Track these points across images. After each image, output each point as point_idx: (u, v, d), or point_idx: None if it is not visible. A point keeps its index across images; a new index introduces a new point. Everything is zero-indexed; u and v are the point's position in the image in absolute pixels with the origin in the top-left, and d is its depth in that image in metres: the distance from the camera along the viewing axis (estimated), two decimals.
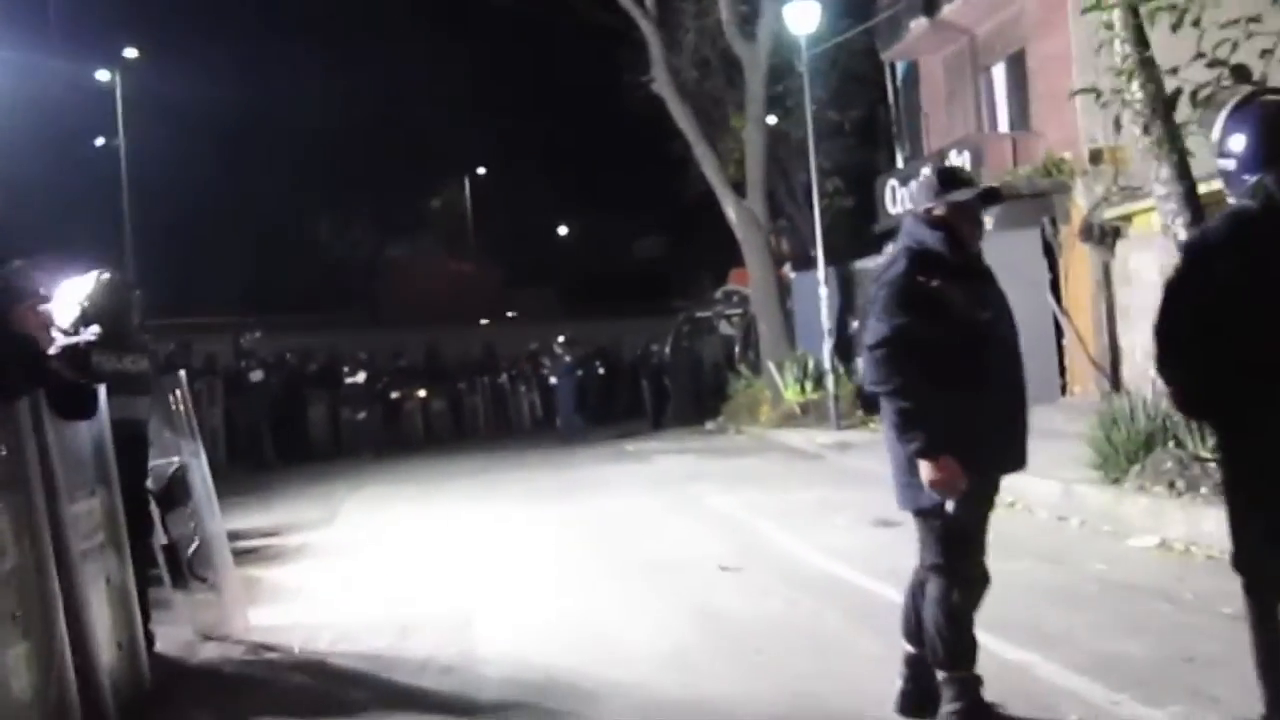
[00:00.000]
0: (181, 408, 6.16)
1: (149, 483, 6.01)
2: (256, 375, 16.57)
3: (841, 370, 16.74)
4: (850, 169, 23.51)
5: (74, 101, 32.24)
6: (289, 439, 17.68)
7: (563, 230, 54.01)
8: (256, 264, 40.41)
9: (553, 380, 17.61)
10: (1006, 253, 17.74)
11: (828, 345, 15.78)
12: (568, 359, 18.48)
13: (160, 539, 6.16)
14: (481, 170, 49.18)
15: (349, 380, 19.04)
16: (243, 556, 8.86)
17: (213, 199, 39.94)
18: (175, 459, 6.11)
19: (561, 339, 19.61)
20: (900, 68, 20.77)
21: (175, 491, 6.13)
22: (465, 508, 10.90)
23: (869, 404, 14.40)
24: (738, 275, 25.71)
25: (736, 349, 23.20)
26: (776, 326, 17.35)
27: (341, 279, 44.60)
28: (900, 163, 22.38)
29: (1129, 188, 16.48)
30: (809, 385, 16.69)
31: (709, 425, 19.04)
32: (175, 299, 36.05)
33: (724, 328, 24.07)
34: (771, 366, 16.87)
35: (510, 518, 10.04)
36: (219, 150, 39.59)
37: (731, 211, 17.34)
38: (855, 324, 19.54)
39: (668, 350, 23.39)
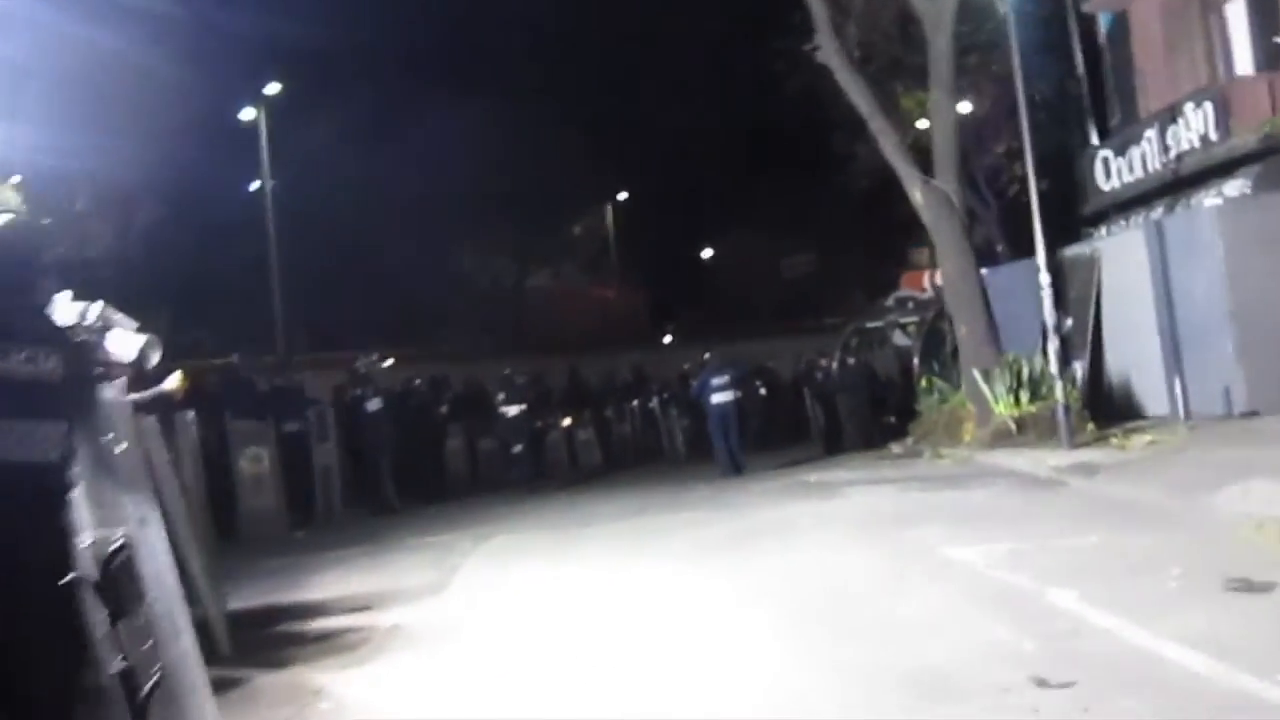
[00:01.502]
0: (136, 446, 3.55)
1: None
2: (374, 404, 14.23)
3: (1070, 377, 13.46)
4: (1042, 148, 20.05)
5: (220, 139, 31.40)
6: (419, 476, 15.31)
7: (707, 253, 51.40)
8: (400, 299, 39.03)
9: (716, 399, 14.78)
10: (1267, 220, 14.17)
11: (1053, 346, 12.47)
12: (722, 378, 15.64)
13: (108, 666, 3.54)
14: (623, 195, 46.86)
15: (503, 409, 16.65)
16: (312, 645, 6.28)
17: (355, 236, 38.90)
18: (119, 531, 3.49)
19: (708, 355, 16.80)
20: (1105, 21, 17.30)
21: (120, 585, 3.50)
22: (616, 566, 8.09)
23: None
24: (910, 278, 22.48)
25: (915, 360, 19.94)
26: (981, 328, 14.10)
27: (485, 310, 42.94)
28: (1097, 136, 18.90)
29: None
30: (1024, 396, 13.41)
31: (895, 448, 15.85)
32: (321, 337, 34.97)
33: (898, 338, 20.82)
34: (977, 376, 13.65)
35: (677, 583, 7.15)
36: (360, 189, 38.54)
37: (918, 193, 14.22)
38: (1069, 321, 16.17)
39: (835, 366, 20.33)
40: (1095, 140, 18.95)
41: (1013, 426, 13.29)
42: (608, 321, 45.31)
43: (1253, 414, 12.68)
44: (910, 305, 21.18)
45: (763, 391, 22.30)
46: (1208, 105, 13.75)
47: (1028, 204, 19.84)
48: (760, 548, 8.10)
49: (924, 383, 18.32)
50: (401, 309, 38.12)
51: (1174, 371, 13.79)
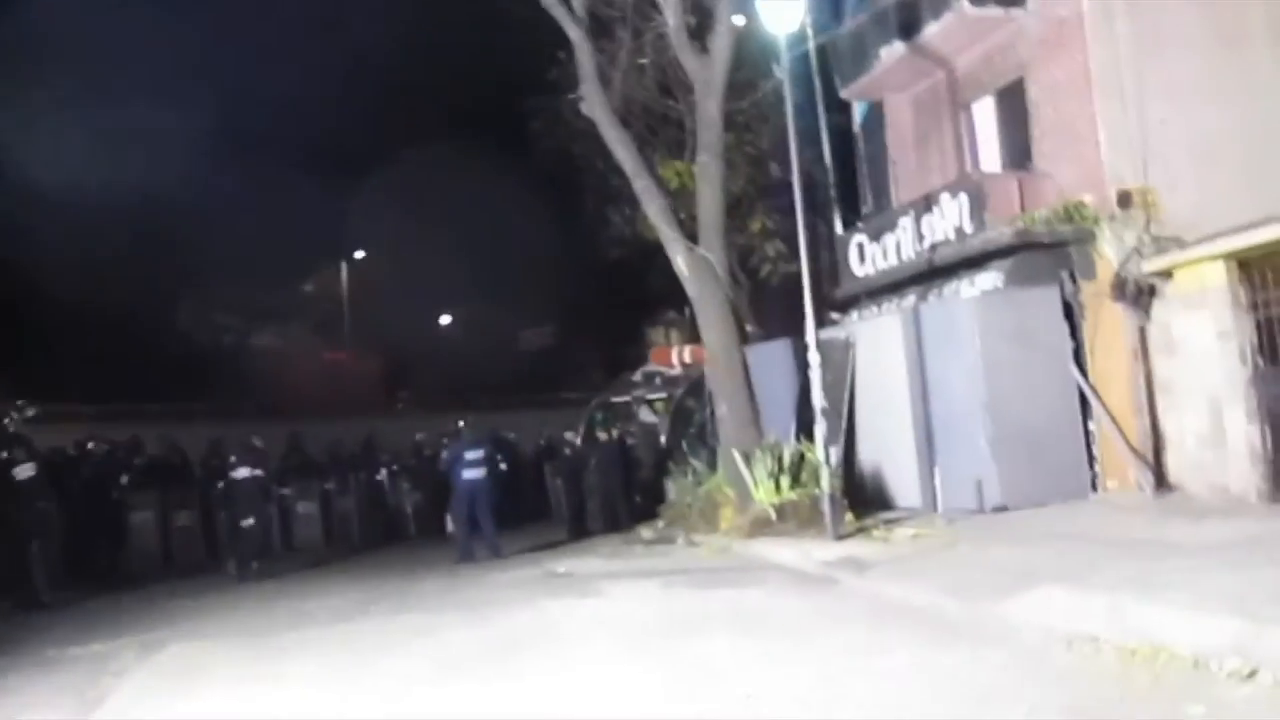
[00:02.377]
0: None
1: None
2: (25, 471, 11.47)
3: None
4: (788, 231, 19.77)
5: None
6: (89, 560, 12.60)
7: (445, 319, 49.50)
8: (104, 353, 34.74)
9: (469, 475, 12.94)
10: (1020, 314, 14.10)
11: (821, 430, 11.60)
12: (477, 452, 13.91)
13: None
14: (360, 254, 44.34)
15: (236, 474, 14.09)
16: None
17: (54, 279, 34.51)
18: None
19: (461, 423, 14.86)
20: (860, 110, 17.18)
21: None
22: (328, 696, 6.20)
23: None
24: (659, 354, 21.63)
25: (663, 439, 18.94)
26: (743, 407, 13.13)
27: (203, 368, 39.04)
28: (843, 224, 18.78)
29: (1163, 238, 13.03)
30: (785, 482, 12.49)
31: (645, 533, 14.59)
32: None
33: (645, 414, 19.80)
34: (738, 458, 12.63)
35: None
36: (66, 223, 34.36)
37: (683, 261, 13.21)
38: (823, 405, 15.55)
39: (579, 441, 19.01)
40: (840, 228, 18.82)
41: (773, 514, 12.30)
42: (338, 387, 42.34)
43: (1003, 509, 12.30)
44: (658, 381, 20.26)
45: (503, 466, 20.60)
46: (963, 197, 13.55)
47: (779, 285, 19.57)
48: (520, 668, 6.43)
49: (673, 464, 17.34)
50: (104, 362, 33.96)
51: (928, 463, 13.32)
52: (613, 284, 47.36)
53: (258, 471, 14.08)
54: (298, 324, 45.36)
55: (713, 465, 18.81)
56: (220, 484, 15.50)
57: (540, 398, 40.32)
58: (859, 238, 15.70)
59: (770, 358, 15.28)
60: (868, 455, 14.27)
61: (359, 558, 14.92)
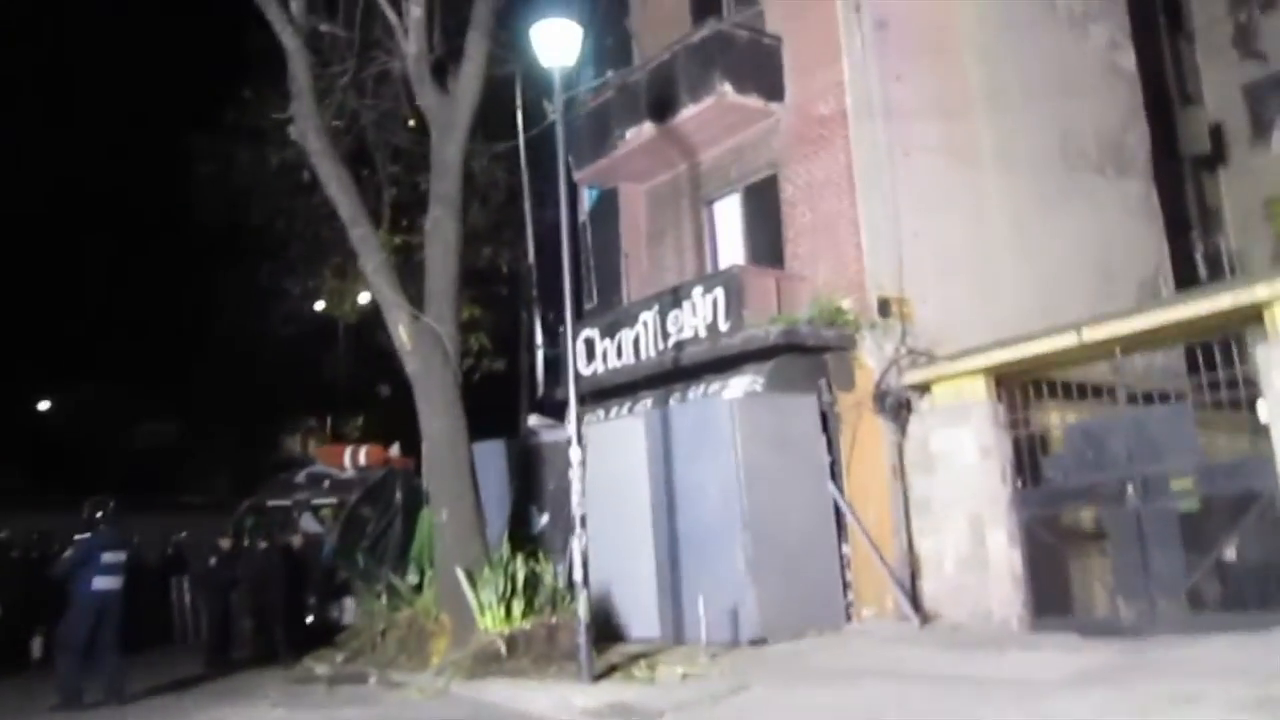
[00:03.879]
0: None
1: None
2: None
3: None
4: (499, 325, 17.51)
5: None
6: None
7: (44, 404, 42.04)
8: None
9: (101, 584, 9.01)
10: (780, 421, 12.50)
11: (577, 543, 9.15)
12: (117, 555, 10.02)
13: None
14: None
15: None
16: None
17: None
18: None
19: (98, 513, 10.42)
20: (590, 197, 15.42)
21: None
22: None
23: None
24: (327, 453, 18.26)
25: (331, 549, 15.64)
26: (468, 514, 10.36)
27: None
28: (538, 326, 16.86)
29: (916, 350, 12.13)
30: (517, 607, 9.90)
31: (319, 668, 11.31)
32: None
33: (308, 522, 16.34)
34: (462, 577, 9.89)
35: None
36: None
37: (404, 331, 10.47)
38: (544, 518, 13.18)
39: (225, 551, 15.26)
40: (541, 330, 16.91)
41: (503, 647, 9.64)
42: None
43: (761, 641, 10.46)
44: (326, 484, 16.91)
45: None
46: (719, 292, 12.00)
47: (479, 383, 17.13)
48: None
49: (355, 581, 14.27)
50: None
51: (670, 586, 11.27)
52: (251, 380, 42.55)
53: None
54: None
55: (384, 585, 15.89)
56: None
57: (158, 500, 34.72)
58: (588, 332, 13.73)
59: (480, 462, 12.76)
60: (595, 576, 11.98)
61: None
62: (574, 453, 9.28)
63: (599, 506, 12.23)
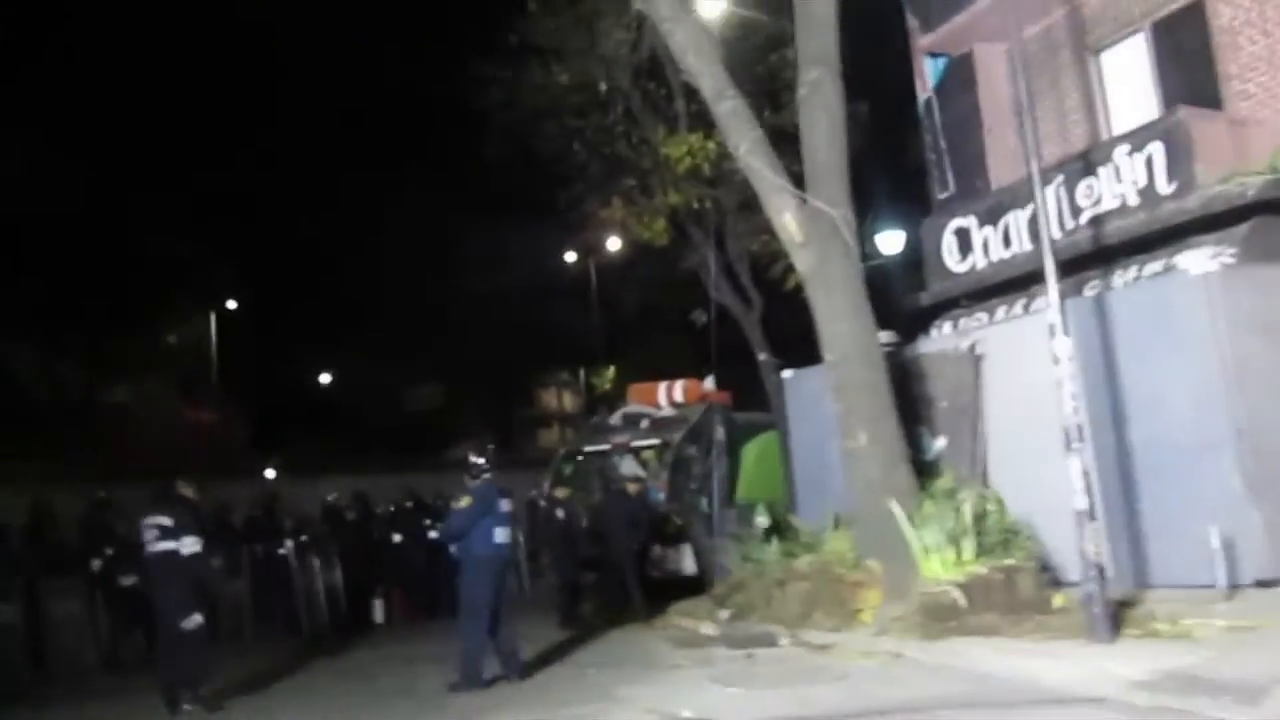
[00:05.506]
0: None
1: None
2: None
3: None
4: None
5: None
6: None
7: (325, 378, 43.15)
8: None
9: (500, 538, 7.54)
10: (1272, 301, 9.23)
11: (1078, 463, 6.86)
12: (506, 505, 8.14)
13: None
14: (231, 304, 37.74)
15: (155, 547, 7.99)
16: None
17: None
18: None
19: (480, 459, 8.73)
20: (934, 69, 12.83)
21: None
22: None
23: None
24: (640, 391, 16.53)
25: (661, 495, 13.95)
26: (890, 436, 8.22)
27: (45, 426, 31.92)
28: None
29: None
30: (968, 548, 7.72)
31: (703, 627, 9.53)
32: None
33: (628, 466, 14.65)
34: (897, 513, 7.81)
35: None
36: None
37: (792, 220, 8.42)
38: (939, 442, 10.88)
39: (549, 500, 13.84)
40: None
41: (959, 598, 7.47)
42: (202, 448, 35.53)
43: (1273, 582, 7.84)
44: (645, 425, 15.23)
45: (435, 534, 15.00)
46: (1156, 148, 9.27)
47: (801, 304, 14.88)
48: None
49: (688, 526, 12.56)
50: None
51: (1125, 518, 8.76)
52: (503, 341, 42.35)
53: (188, 543, 7.88)
54: (157, 379, 38.45)
55: (717, 529, 14.02)
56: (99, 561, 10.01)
57: (427, 459, 34.85)
58: (960, 222, 11.26)
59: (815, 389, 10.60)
60: (1016, 509, 9.60)
61: (261, 670, 9.37)
62: (1059, 345, 6.90)
63: (1008, 426, 9.92)
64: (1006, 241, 10.77)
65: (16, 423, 30.58)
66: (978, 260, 11.10)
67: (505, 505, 8.08)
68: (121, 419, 35.36)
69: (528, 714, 6.51)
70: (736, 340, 15.78)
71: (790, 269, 14.07)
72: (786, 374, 12.27)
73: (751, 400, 16.18)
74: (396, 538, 14.23)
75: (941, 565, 7.67)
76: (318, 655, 10.42)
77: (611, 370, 46.04)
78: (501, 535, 7.93)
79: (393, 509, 14.83)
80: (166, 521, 7.87)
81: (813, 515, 10.79)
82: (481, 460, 8.11)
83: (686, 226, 14.90)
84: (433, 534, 14.66)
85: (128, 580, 10.35)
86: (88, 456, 30.38)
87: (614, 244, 32.73)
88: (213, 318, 37.57)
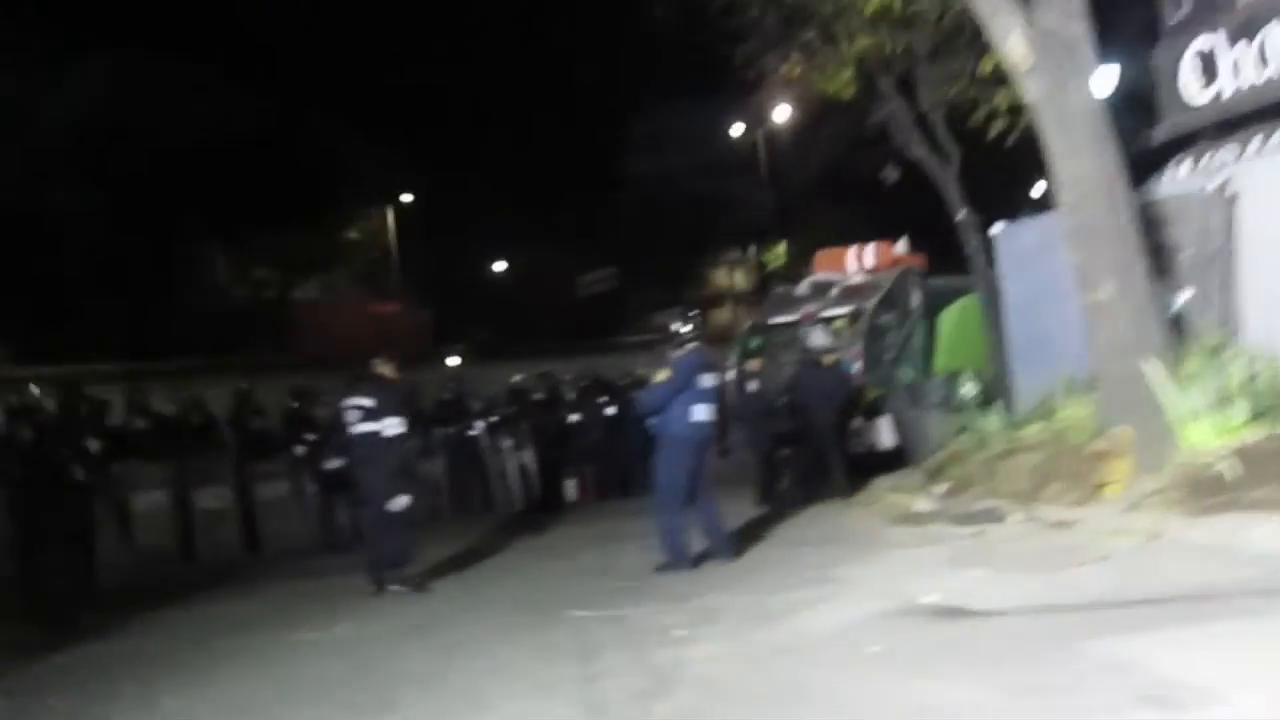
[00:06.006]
0: None
1: None
2: None
3: None
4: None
5: None
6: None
7: (500, 266, 43.55)
8: (138, 310, 29.42)
9: (699, 416, 7.12)
10: None
11: None
12: (710, 378, 7.50)
13: None
14: (407, 197, 38.15)
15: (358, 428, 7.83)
16: None
17: (79, 232, 29.16)
18: None
19: (685, 327, 8.09)
20: None
21: None
22: None
23: None
24: (828, 258, 15.54)
25: (856, 367, 13.12)
26: (1138, 286, 7.10)
27: (244, 325, 33.57)
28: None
29: None
30: (1241, 410, 6.67)
31: (916, 503, 8.79)
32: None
33: (818, 337, 13.77)
34: (1153, 373, 6.79)
35: None
36: (89, 173, 28.97)
37: (1017, 41, 7.25)
38: (1185, 295, 9.64)
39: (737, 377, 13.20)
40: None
41: (1230, 469, 6.46)
42: (387, 340, 36.55)
43: None
44: (835, 293, 14.33)
45: (609, 412, 14.69)
46: None
47: (1009, 147, 13.53)
48: None
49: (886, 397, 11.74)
50: (140, 323, 28.68)
51: None
52: (671, 222, 41.64)
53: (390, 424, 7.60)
54: (341, 274, 39.75)
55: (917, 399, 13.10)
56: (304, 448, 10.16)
57: (602, 343, 34.85)
58: (1203, 42, 9.70)
59: (1043, 238, 9.37)
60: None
61: (466, 547, 9.30)
62: None
63: (1268, 277, 8.62)
64: (1263, 60, 9.19)
65: (219, 321, 32.34)
66: (1225, 87, 9.55)
67: (708, 380, 7.42)
68: (312, 314, 36.87)
69: (745, 594, 5.99)
70: (925, 203, 14.57)
71: (994, 115, 12.78)
72: (997, 228, 11.11)
73: (943, 265, 15.09)
74: (574, 417, 14.00)
75: (1207, 432, 6.64)
76: (516, 535, 10.29)
77: (783, 246, 44.80)
78: (702, 413, 7.29)
79: (583, 384, 14.59)
80: (368, 403, 7.67)
81: (1031, 382, 9.83)
82: (685, 328, 7.49)
83: (875, 77, 13.60)
84: (609, 410, 14.44)
85: (333, 464, 10.33)
86: (283, 351, 31.87)
87: (784, 113, 31.09)
88: (390, 212, 38.25)
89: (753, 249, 47.17)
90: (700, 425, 7.29)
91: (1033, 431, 8.06)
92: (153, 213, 29.64)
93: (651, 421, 7.43)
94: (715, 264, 50.36)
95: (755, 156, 37.48)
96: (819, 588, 5.89)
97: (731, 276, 50.61)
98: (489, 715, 4.07)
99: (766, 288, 21.05)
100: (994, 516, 7.77)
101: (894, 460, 12.02)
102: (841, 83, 13.08)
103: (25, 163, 27.87)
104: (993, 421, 8.67)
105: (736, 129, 36.31)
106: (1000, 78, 12.25)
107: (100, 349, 24.26)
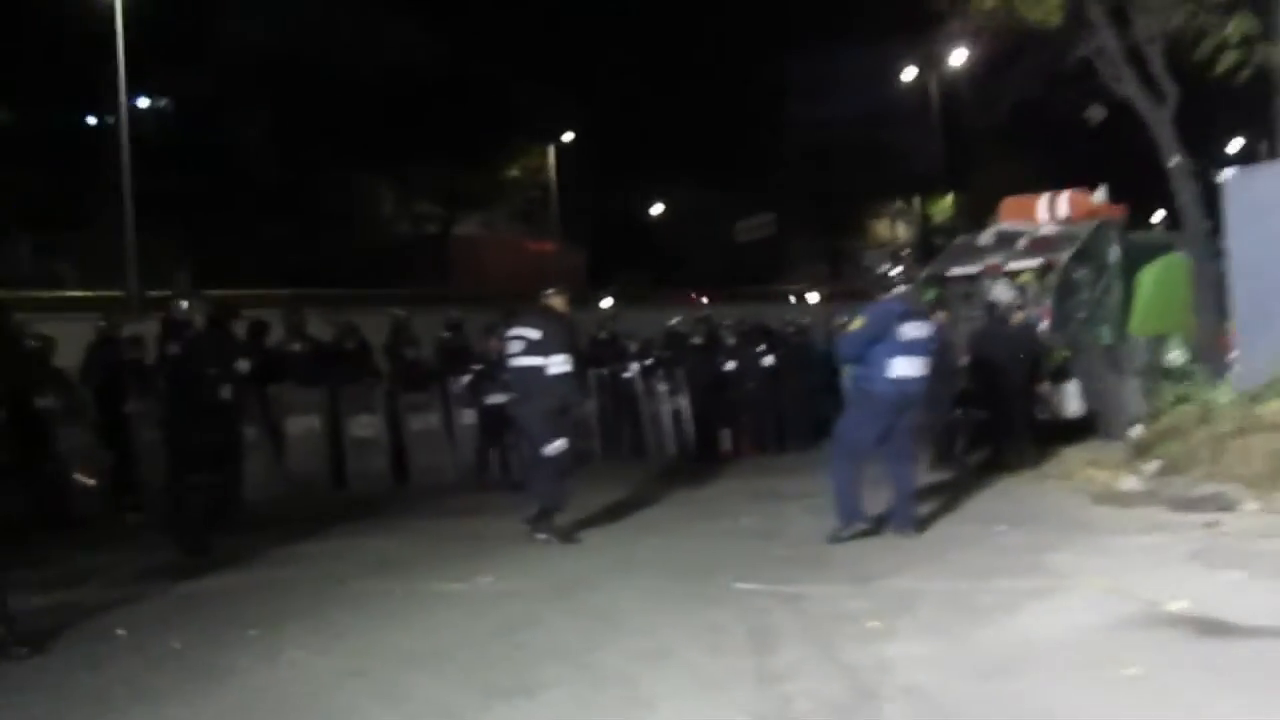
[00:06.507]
0: None
1: None
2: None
3: None
4: None
5: None
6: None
7: (657, 209, 42.71)
8: (308, 241, 30.17)
9: (902, 370, 6.15)
10: None
11: None
12: (919, 326, 6.51)
13: None
14: (569, 136, 37.61)
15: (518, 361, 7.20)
16: None
17: (251, 165, 30.09)
18: None
19: (894, 268, 7.08)
20: None
21: None
22: None
23: None
24: (1014, 206, 14.14)
25: (1043, 325, 11.82)
26: None
27: (406, 258, 34.04)
28: None
29: None
30: None
31: (1121, 482, 7.68)
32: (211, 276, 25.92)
33: (1000, 291, 12.44)
34: None
35: None
36: (259, 113, 29.80)
37: None
38: None
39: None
40: None
41: None
42: (543, 279, 36.39)
43: None
44: (1022, 244, 12.98)
45: (767, 362, 13.78)
46: None
47: (1230, 89, 11.91)
48: None
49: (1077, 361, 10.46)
50: (311, 254, 29.43)
51: None
52: (834, 170, 39.97)
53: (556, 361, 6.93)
54: (501, 212, 39.83)
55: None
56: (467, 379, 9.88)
57: (761, 290, 33.86)
58: None
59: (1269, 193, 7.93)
60: None
61: (628, 496, 8.72)
62: None
63: None
64: None
65: (382, 254, 32.88)
66: None
67: (913, 330, 6.44)
68: (471, 250, 37.14)
69: (941, 579, 5.13)
70: (1124, 149, 13.04)
71: (1223, 46, 11.18)
72: (1227, 173, 9.65)
73: (1142, 219, 13.57)
74: (730, 365, 13.22)
75: None
76: (670, 486, 9.63)
77: (950, 198, 42.52)
78: (904, 367, 6.35)
79: (743, 331, 13.79)
80: (534, 335, 6.94)
81: (1261, 351, 8.49)
82: (893, 270, 6.56)
83: (1085, 3, 12.10)
84: (767, 360, 13.62)
85: (495, 399, 9.80)
86: (442, 284, 32.16)
87: (961, 56, 28.98)
88: (551, 150, 37.92)
89: (917, 200, 45.07)
90: (900, 381, 6.35)
91: (1273, 409, 6.82)
92: (325, 144, 30.16)
93: (849, 374, 6.55)
94: (878, 215, 48.37)
95: (926, 103, 35.48)
96: (1030, 578, 4.98)
97: (894, 228, 48.54)
98: (648, 717, 3.39)
99: (930, 241, 19.59)
100: (1219, 503, 6.65)
101: (1077, 430, 10.83)
102: (1049, 8, 11.67)
103: (209, 91, 28.81)
104: (1224, 393, 7.43)
105: (908, 74, 34.32)
106: (1235, 1, 10.76)
107: (267, 274, 24.90)
